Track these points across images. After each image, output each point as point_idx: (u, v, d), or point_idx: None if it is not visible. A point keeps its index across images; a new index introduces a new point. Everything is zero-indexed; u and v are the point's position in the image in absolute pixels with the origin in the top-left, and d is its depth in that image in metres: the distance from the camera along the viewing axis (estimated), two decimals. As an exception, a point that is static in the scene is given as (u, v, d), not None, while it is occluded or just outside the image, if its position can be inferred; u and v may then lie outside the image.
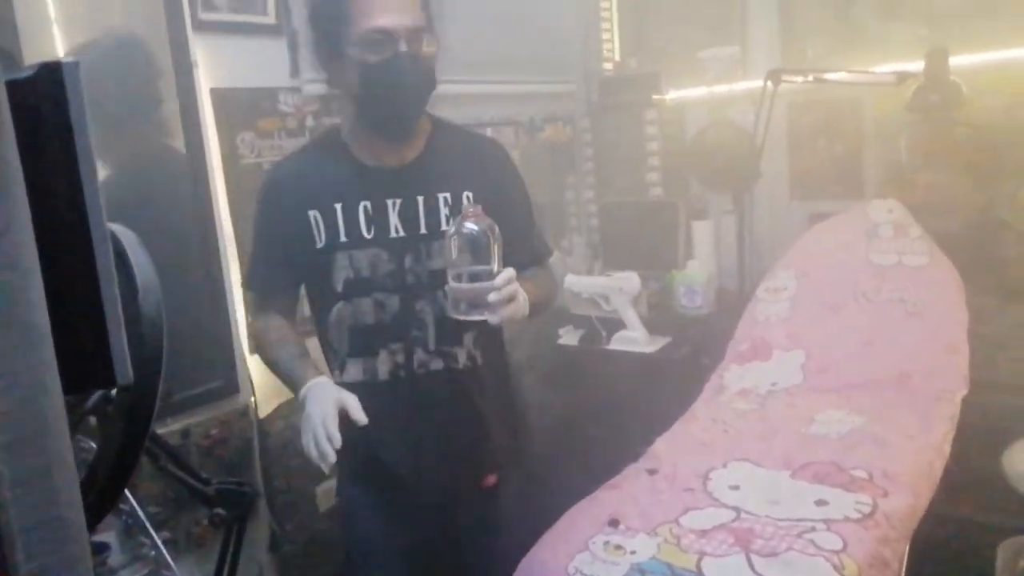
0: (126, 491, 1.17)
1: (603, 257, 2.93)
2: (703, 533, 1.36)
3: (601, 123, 3.02)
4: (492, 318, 1.18)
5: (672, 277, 2.62)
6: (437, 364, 1.36)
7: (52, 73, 0.38)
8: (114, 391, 0.68)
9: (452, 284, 1.19)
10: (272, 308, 1.44)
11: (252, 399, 1.94)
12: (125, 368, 0.41)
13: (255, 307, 1.51)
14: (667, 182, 2.94)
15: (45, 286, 0.35)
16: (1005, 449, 1.93)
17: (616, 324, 2.45)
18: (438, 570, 1.50)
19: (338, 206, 1.31)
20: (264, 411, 1.97)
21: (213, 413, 1.85)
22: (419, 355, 1.35)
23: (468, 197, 1.34)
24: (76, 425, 0.80)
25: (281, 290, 1.43)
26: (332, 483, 1.82)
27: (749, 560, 1.26)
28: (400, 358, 1.35)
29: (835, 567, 1.22)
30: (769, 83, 2.14)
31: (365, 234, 1.31)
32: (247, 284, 1.52)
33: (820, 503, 1.43)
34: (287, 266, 1.39)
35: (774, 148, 2.61)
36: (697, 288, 2.55)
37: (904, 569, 1.37)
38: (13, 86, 0.35)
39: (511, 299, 1.20)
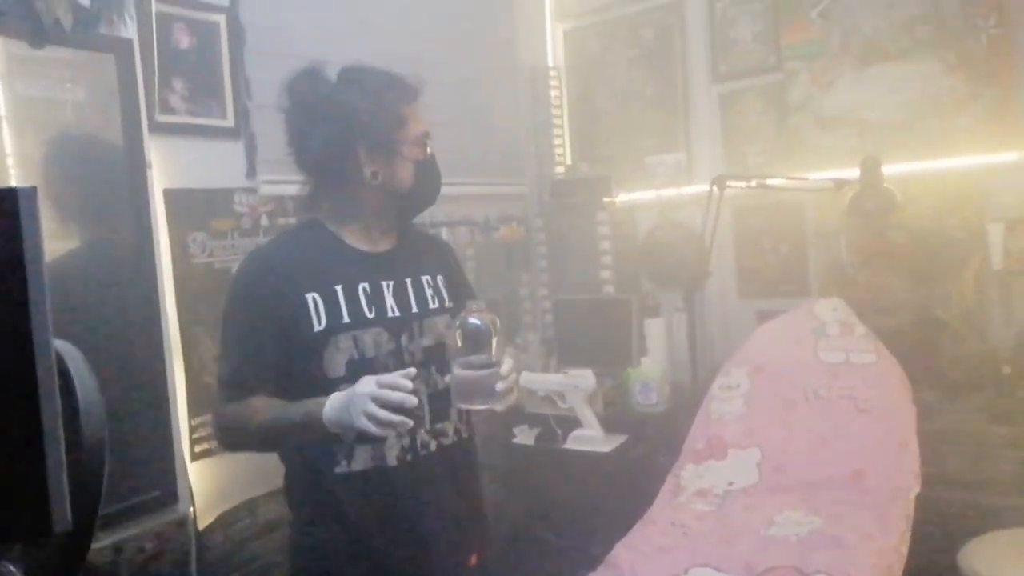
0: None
1: (557, 354, 2.93)
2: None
3: (554, 223, 3.09)
4: (497, 406, 1.24)
5: (628, 375, 2.63)
6: (432, 444, 1.38)
7: (4, 201, 0.36)
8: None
9: (458, 373, 1.23)
10: (253, 394, 1.31)
11: (191, 509, 1.84)
12: (64, 515, 0.38)
13: (228, 397, 1.33)
14: (619, 280, 2.99)
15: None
16: (961, 547, 1.93)
17: (572, 422, 2.43)
18: None
19: (339, 287, 1.33)
20: (203, 522, 1.87)
21: (149, 525, 1.74)
22: (421, 436, 1.36)
23: (440, 280, 1.47)
24: (2, 554, 0.74)
25: (269, 379, 1.32)
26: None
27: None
28: (406, 441, 1.34)
29: None
30: (715, 188, 2.23)
31: (367, 314, 1.33)
32: (226, 375, 1.33)
33: (785, 611, 1.39)
34: (276, 353, 1.31)
35: (721, 248, 2.70)
36: (652, 385, 2.56)
37: None
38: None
39: (511, 389, 1.26)
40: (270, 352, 1.31)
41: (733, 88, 2.79)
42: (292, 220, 2.08)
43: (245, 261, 1.40)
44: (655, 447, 2.36)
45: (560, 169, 3.13)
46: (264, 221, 2.02)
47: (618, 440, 2.39)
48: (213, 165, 1.92)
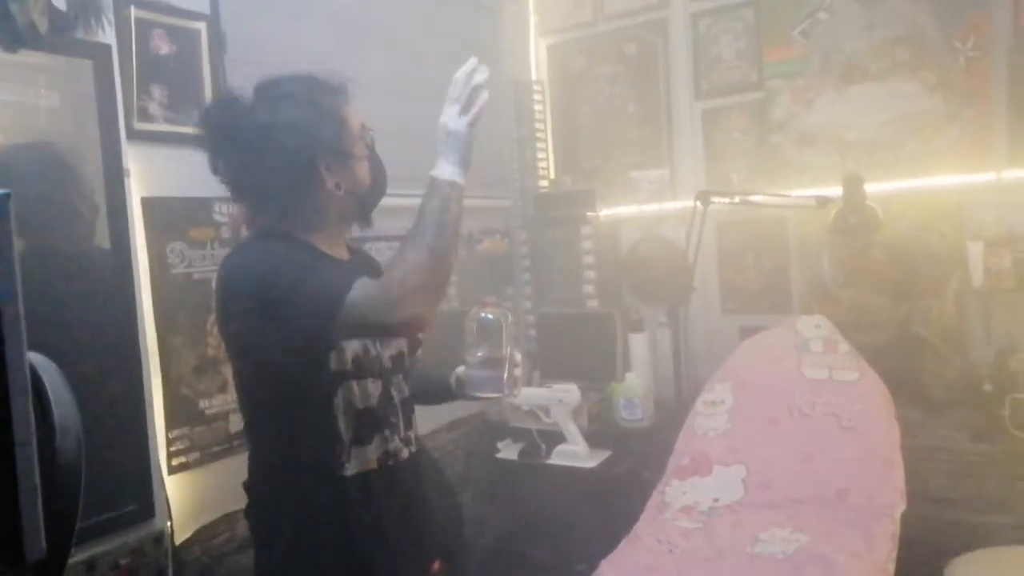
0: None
1: (541, 367, 2.91)
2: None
3: (537, 236, 3.08)
4: (507, 394, 1.35)
5: (612, 389, 2.61)
6: (405, 451, 1.40)
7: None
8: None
9: (471, 364, 1.34)
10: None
11: (168, 524, 1.79)
12: (38, 541, 0.36)
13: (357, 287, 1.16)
14: (603, 293, 2.99)
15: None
16: (946, 565, 1.93)
17: (556, 437, 2.41)
18: None
19: None
20: (180, 537, 1.82)
21: (124, 540, 1.69)
22: (396, 442, 1.37)
23: None
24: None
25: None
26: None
27: None
28: (390, 445, 1.36)
29: None
30: (698, 203, 2.23)
31: None
32: (334, 286, 1.16)
33: (773, 631, 1.38)
34: None
35: (705, 264, 2.71)
36: (636, 400, 2.54)
37: None
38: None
39: (519, 378, 1.37)
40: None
41: (716, 105, 2.81)
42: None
43: (245, 255, 1.31)
44: (639, 463, 2.35)
45: (544, 183, 3.13)
46: (244, 231, 1.98)
47: (602, 455, 2.38)
48: (192, 174, 1.87)
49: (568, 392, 2.39)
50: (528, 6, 3.17)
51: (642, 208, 2.93)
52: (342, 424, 1.28)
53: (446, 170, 1.20)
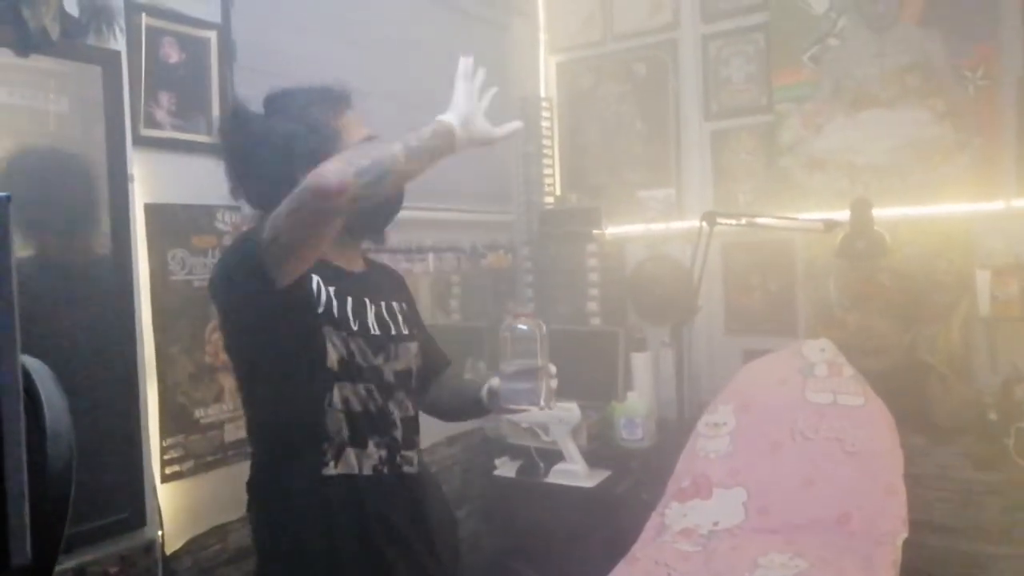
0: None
1: (541, 385, 2.89)
2: None
3: (542, 252, 3.07)
4: (543, 406, 1.27)
5: (613, 408, 2.59)
6: (402, 467, 1.37)
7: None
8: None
9: (504, 376, 1.28)
10: None
11: (159, 533, 1.77)
12: (23, 548, 0.34)
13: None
14: (606, 312, 2.97)
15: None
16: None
17: (555, 456, 2.39)
18: None
19: (331, 289, 1.31)
20: (172, 546, 1.80)
21: (114, 548, 1.67)
22: (393, 456, 1.35)
23: (406, 308, 1.46)
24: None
25: None
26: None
27: None
28: (384, 453, 1.34)
29: None
30: (705, 224, 2.22)
31: (352, 325, 1.32)
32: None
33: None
34: None
35: (710, 285, 2.69)
36: (637, 420, 2.52)
37: None
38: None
39: (553, 389, 1.30)
40: None
41: (724, 126, 2.81)
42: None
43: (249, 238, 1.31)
44: (639, 483, 2.32)
45: (550, 199, 3.13)
46: (253, 240, 1.98)
47: (602, 475, 2.35)
48: (197, 181, 1.88)
49: (568, 410, 2.37)
50: (538, 23, 3.19)
51: (648, 227, 2.93)
52: (329, 424, 1.28)
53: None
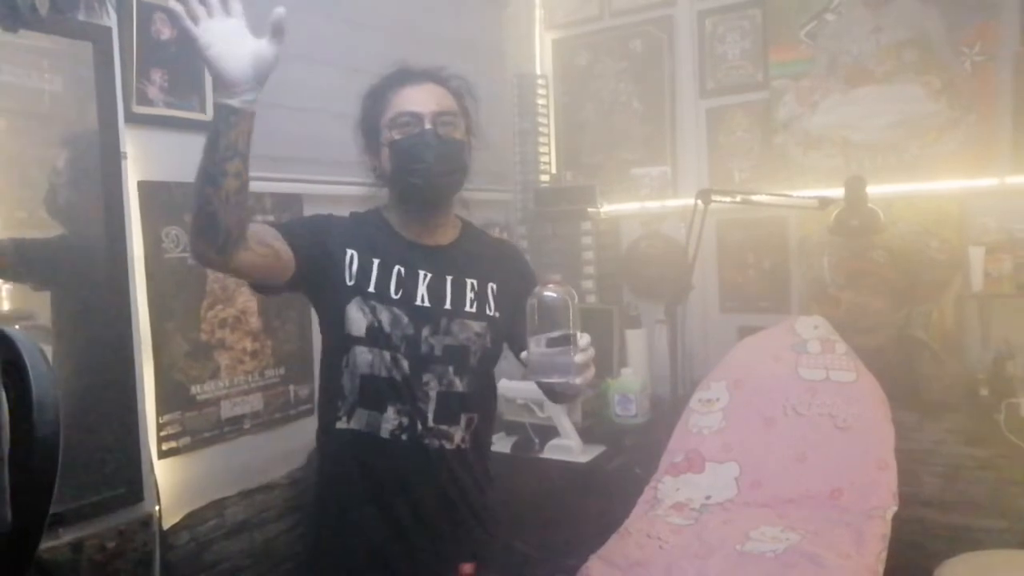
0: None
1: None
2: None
3: (537, 230, 3.07)
4: (574, 380, 1.18)
5: (607, 385, 2.61)
6: (432, 441, 1.37)
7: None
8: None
9: (533, 349, 1.19)
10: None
11: (156, 508, 1.79)
12: (3, 513, 0.35)
13: None
14: (601, 289, 2.98)
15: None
16: (936, 567, 1.93)
17: (550, 431, 2.40)
18: None
19: (376, 260, 1.36)
20: (169, 521, 1.82)
21: (111, 523, 1.69)
22: (419, 427, 1.36)
23: (492, 288, 1.43)
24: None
25: (282, 233, 1.30)
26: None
27: None
28: (405, 420, 1.35)
29: None
30: (700, 202, 2.22)
31: (392, 294, 1.35)
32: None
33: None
34: (302, 251, 1.31)
35: (704, 262, 2.70)
36: (631, 397, 2.54)
37: None
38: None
39: (588, 363, 1.21)
40: (298, 241, 1.30)
41: (720, 104, 2.80)
42: (270, 217, 2.04)
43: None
44: (632, 459, 2.34)
45: (545, 177, 3.12)
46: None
47: (596, 451, 2.37)
48: (190, 159, 1.86)
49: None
50: (534, 0, 3.16)
51: (643, 205, 2.93)
52: (345, 384, 1.36)
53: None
